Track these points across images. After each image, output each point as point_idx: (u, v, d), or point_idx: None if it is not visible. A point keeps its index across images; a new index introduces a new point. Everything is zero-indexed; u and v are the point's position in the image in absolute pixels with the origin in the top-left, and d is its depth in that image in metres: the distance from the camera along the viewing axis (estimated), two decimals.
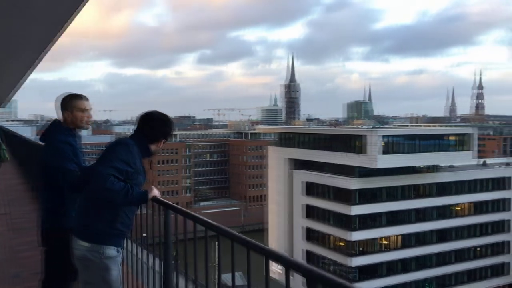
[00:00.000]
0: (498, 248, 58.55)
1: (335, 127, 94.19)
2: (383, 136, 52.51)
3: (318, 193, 55.40)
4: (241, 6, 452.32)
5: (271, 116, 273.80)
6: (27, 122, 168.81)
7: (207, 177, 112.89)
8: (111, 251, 3.26)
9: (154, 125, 3.39)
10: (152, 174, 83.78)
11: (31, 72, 10.49)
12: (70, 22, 5.57)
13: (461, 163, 58.09)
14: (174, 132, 3.73)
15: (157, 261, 3.71)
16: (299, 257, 53.17)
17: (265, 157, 75.31)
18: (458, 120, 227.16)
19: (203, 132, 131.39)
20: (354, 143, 52.95)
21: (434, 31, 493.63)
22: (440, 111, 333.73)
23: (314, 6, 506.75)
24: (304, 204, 57.10)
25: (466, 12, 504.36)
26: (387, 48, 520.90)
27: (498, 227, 58.67)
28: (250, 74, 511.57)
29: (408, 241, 53.72)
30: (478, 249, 57.43)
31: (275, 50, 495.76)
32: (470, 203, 57.29)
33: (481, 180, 58.04)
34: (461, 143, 56.12)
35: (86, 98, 3.96)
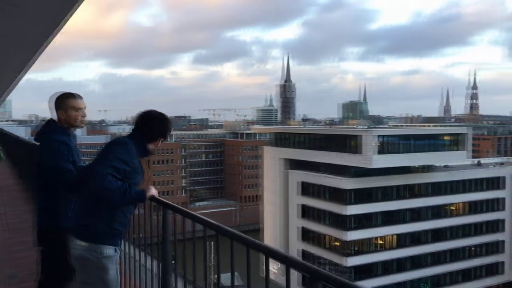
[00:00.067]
0: (492, 248, 58.84)
1: (330, 127, 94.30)
2: (378, 136, 52.65)
3: (314, 193, 55.47)
4: (237, 6, 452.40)
5: (266, 116, 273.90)
6: (21, 122, 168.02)
7: (203, 177, 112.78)
8: (109, 250, 3.26)
9: (152, 124, 3.39)
10: (148, 174, 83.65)
11: (25, 72, 10.44)
12: (65, 22, 5.55)
13: (456, 163, 58.35)
14: (172, 132, 3.73)
15: (154, 261, 3.69)
16: (294, 251, 53.27)
17: (261, 157, 75.31)
18: (453, 120, 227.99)
19: (198, 132, 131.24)
20: (349, 143, 53.07)
21: (429, 31, 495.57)
22: (434, 111, 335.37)
23: (309, 6, 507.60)
24: (300, 204, 57.17)
25: (460, 13, 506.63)
26: (382, 48, 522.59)
27: (492, 226, 58.95)
28: (245, 74, 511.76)
29: (403, 240, 53.88)
30: (473, 248, 57.70)
31: (270, 50, 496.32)
32: (465, 202, 57.53)
33: (476, 180, 58.30)
34: (455, 143, 56.35)
35: (80, 97, 3.94)
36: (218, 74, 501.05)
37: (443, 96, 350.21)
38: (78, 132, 4.32)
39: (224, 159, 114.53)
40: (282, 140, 62.65)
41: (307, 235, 56.39)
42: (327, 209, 53.42)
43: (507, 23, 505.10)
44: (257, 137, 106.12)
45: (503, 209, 59.54)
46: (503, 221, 59.44)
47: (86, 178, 3.22)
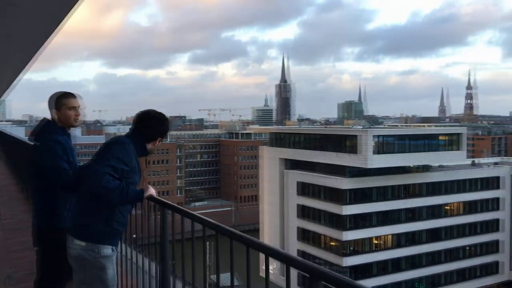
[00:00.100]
0: (488, 247, 59.02)
1: (325, 127, 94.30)
2: (375, 136, 52.70)
3: (311, 193, 55.46)
4: (234, 6, 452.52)
5: (263, 116, 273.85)
6: (16, 122, 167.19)
7: (199, 178, 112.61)
8: (107, 250, 3.26)
9: (151, 124, 3.40)
10: (143, 175, 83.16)
11: (25, 73, 10.42)
12: (65, 22, 5.54)
13: (452, 162, 58.46)
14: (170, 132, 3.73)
15: (152, 263, 3.68)
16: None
17: (257, 157, 75.27)
18: (448, 120, 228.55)
19: (194, 132, 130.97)
20: (346, 143, 53.11)
21: (426, 31, 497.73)
22: (431, 111, 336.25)
23: (307, 6, 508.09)
24: (297, 204, 57.16)
25: (457, 13, 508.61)
26: (380, 49, 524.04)
27: (488, 226, 59.13)
28: (243, 74, 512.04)
29: (399, 240, 53.95)
30: (468, 248, 57.85)
31: (267, 50, 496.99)
32: (461, 202, 57.67)
33: (471, 180, 58.45)
34: (451, 143, 56.46)
35: (73, 96, 3.93)
36: (215, 74, 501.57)
37: (439, 97, 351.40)
38: (75, 132, 4.30)
39: (220, 159, 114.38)
40: (279, 140, 62.62)
41: (304, 235, 56.40)
42: (324, 209, 53.43)
43: (504, 23, 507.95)
44: (254, 137, 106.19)
45: (499, 208, 59.74)
46: (498, 220, 59.65)
47: (84, 178, 3.23)
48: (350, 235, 51.43)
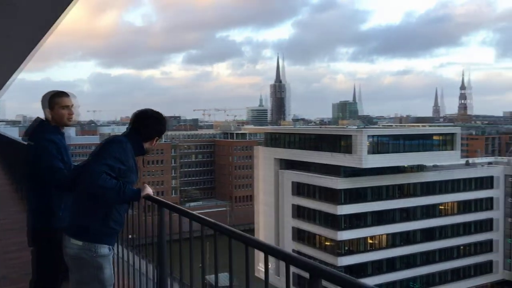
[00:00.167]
0: (482, 247, 59.32)
1: (320, 127, 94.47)
2: (369, 136, 52.82)
3: (306, 193, 55.53)
4: (229, 6, 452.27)
5: (258, 116, 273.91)
6: (9, 123, 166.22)
7: (194, 178, 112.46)
8: (104, 249, 3.26)
9: (148, 123, 3.39)
10: (139, 175, 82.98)
11: (19, 72, 10.36)
12: (59, 23, 5.51)
13: (446, 162, 58.71)
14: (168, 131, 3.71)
15: (149, 265, 3.65)
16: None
17: (252, 157, 75.25)
18: (442, 120, 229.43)
19: (189, 132, 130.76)
20: (340, 143, 53.20)
21: (420, 32, 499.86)
22: (425, 111, 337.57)
23: (301, 6, 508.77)
24: (292, 204, 57.20)
25: (451, 13, 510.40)
26: (374, 49, 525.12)
27: (482, 225, 59.44)
28: (237, 75, 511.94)
29: (394, 240, 54.11)
30: (463, 247, 58.11)
31: (262, 51, 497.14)
32: (455, 202, 57.92)
33: (465, 180, 58.74)
34: (445, 143, 56.70)
35: (66, 95, 3.91)
36: (210, 74, 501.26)
37: (432, 97, 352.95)
38: (67, 133, 4.28)
39: (215, 159, 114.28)
40: (274, 140, 62.65)
41: (299, 235, 56.45)
42: (319, 209, 53.51)
43: (497, 23, 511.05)
44: (249, 138, 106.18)
45: (493, 208, 60.07)
46: (492, 220, 59.97)
47: (81, 177, 3.21)
48: (345, 235, 51.53)
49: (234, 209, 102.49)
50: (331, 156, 52.37)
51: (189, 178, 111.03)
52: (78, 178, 3.29)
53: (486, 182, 59.85)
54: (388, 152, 52.45)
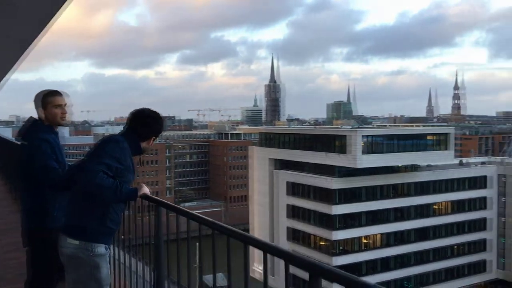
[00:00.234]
0: (476, 246, 59.63)
1: (314, 127, 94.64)
2: (364, 136, 52.96)
3: (300, 193, 55.59)
4: (223, 6, 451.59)
5: (253, 117, 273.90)
6: (2, 123, 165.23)
7: (188, 178, 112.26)
8: (101, 248, 3.25)
9: (146, 123, 3.39)
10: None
11: (12, 73, 10.30)
12: (54, 22, 5.47)
13: (440, 162, 58.97)
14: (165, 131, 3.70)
15: (146, 266, 3.62)
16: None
17: (247, 158, 75.26)
18: (435, 120, 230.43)
19: (183, 132, 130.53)
20: (335, 143, 53.30)
21: (414, 32, 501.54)
22: (419, 111, 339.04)
23: (296, 7, 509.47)
24: (287, 204, 57.24)
25: (445, 14, 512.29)
26: (368, 49, 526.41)
27: (475, 225, 59.75)
28: (232, 75, 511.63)
29: (388, 240, 54.29)
30: (456, 247, 58.39)
31: (257, 51, 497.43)
32: (449, 202, 58.19)
33: (458, 179, 59.04)
34: (439, 142, 56.95)
35: (59, 94, 3.89)
36: (204, 74, 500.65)
37: (426, 97, 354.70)
38: (61, 133, 4.25)
39: (210, 159, 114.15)
40: (268, 140, 62.68)
41: (294, 235, 56.50)
42: (314, 209, 53.59)
43: (491, 24, 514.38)
44: (243, 138, 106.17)
45: (486, 207, 60.41)
46: (486, 219, 60.30)
47: (78, 175, 3.20)
48: (340, 235, 51.64)
49: (229, 209, 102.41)
50: (326, 156, 52.47)
51: (184, 179, 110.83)
52: (74, 177, 3.28)
53: (479, 182, 60.18)
54: (382, 152, 52.62)
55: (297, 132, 63.12)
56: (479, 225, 59.97)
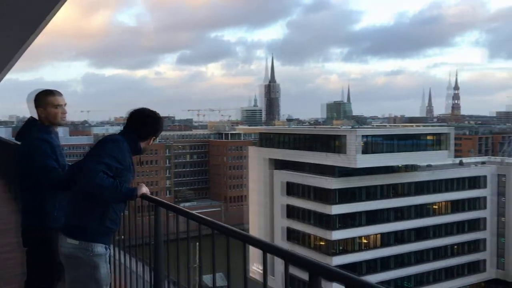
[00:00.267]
0: (474, 246, 59.67)
1: (314, 127, 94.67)
2: (363, 136, 52.98)
3: (299, 193, 55.59)
4: (221, 6, 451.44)
5: (251, 117, 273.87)
6: (2, 123, 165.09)
7: (188, 178, 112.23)
8: (100, 248, 3.25)
9: (145, 122, 3.38)
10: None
11: (7, 72, 10.27)
12: (48, 22, 5.45)
13: (439, 162, 59.01)
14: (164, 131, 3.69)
15: (145, 266, 3.61)
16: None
17: (246, 158, 75.24)
18: (435, 120, 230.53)
19: (183, 132, 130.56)
20: (334, 143, 53.30)
21: (413, 32, 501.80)
22: (418, 111, 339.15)
23: (294, 7, 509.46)
24: (285, 204, 57.24)
25: (442, 14, 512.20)
26: (366, 49, 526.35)
27: (474, 225, 59.79)
28: (230, 75, 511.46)
29: (387, 239, 54.31)
30: (455, 246, 58.43)
31: (255, 51, 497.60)
32: (447, 201, 58.22)
33: (458, 179, 59.07)
34: (438, 142, 56.98)
35: (59, 94, 3.88)
36: (202, 74, 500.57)
37: (425, 97, 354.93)
38: (61, 133, 4.23)
39: (209, 159, 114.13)
40: (267, 140, 62.67)
41: (292, 235, 56.50)
42: (312, 209, 53.58)
43: (490, 24, 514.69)
44: (242, 138, 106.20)
45: (485, 207, 60.44)
46: (484, 219, 60.33)
47: (78, 175, 3.19)
48: (339, 235, 51.65)
49: (228, 209, 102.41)
50: (326, 156, 52.46)
51: (183, 179, 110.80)
52: (75, 177, 3.27)
53: (479, 182, 60.22)
54: (381, 152, 52.63)
55: (296, 132, 63.13)
56: (479, 224, 60.01)
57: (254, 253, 2.06)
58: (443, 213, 57.97)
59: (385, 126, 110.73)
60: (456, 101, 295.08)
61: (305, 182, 54.42)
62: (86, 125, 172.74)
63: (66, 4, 4.80)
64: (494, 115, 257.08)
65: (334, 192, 51.72)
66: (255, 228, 62.44)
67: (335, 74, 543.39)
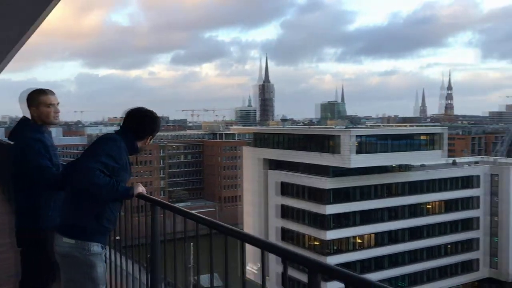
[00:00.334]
0: (468, 245, 59.98)
1: (309, 127, 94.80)
2: (357, 136, 53.11)
3: (293, 193, 55.64)
4: (215, 6, 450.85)
5: (245, 117, 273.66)
6: None
7: (182, 178, 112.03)
8: (96, 247, 3.24)
9: (143, 122, 3.37)
10: None
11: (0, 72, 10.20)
12: (41, 22, 5.42)
13: (432, 162, 59.27)
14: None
15: (141, 267, 3.60)
16: (273, 256, 53.15)
17: (240, 158, 75.23)
18: (428, 120, 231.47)
19: (177, 133, 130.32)
20: (328, 143, 53.39)
21: (405, 32, 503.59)
22: (412, 111, 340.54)
23: (288, 7, 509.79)
24: (279, 204, 57.28)
25: (436, 15, 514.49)
26: (360, 50, 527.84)
27: (467, 224, 60.10)
28: (224, 75, 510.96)
29: (381, 239, 54.48)
30: (449, 246, 58.70)
31: (249, 51, 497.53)
32: (441, 201, 58.48)
33: (451, 179, 59.36)
34: (432, 142, 57.22)
35: (51, 92, 3.85)
36: (196, 74, 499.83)
37: (418, 97, 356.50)
38: (54, 133, 4.20)
39: (203, 159, 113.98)
40: (261, 140, 62.67)
41: (286, 235, 56.53)
42: (307, 209, 53.64)
43: (483, 24, 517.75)
44: (236, 138, 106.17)
45: (478, 207, 60.77)
46: (477, 219, 60.66)
47: (74, 173, 3.18)
48: (333, 235, 51.75)
49: (222, 209, 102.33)
50: (320, 156, 52.54)
51: (177, 179, 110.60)
52: (70, 176, 3.26)
53: (472, 181, 60.53)
54: (375, 152, 52.78)
55: (290, 132, 63.19)
56: (472, 224, 60.33)
57: (248, 252, 2.05)
58: (437, 212, 58.23)
59: (379, 126, 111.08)
60: (449, 101, 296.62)
61: (300, 182, 54.47)
62: (80, 125, 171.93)
63: (59, 4, 4.78)
64: (487, 115, 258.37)
65: (328, 192, 51.80)
66: (250, 228, 62.39)
67: (329, 74, 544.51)
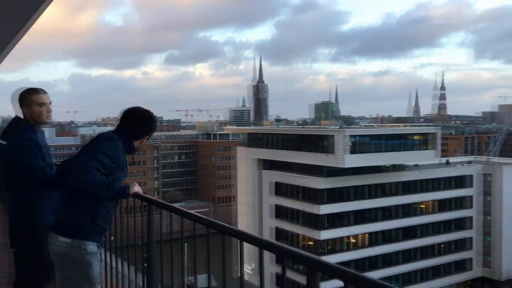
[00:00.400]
0: (461, 244, 60.31)
1: (303, 127, 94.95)
2: (350, 136, 53.25)
3: (287, 193, 55.70)
4: (209, 6, 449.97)
5: (239, 117, 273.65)
6: None
7: (176, 179, 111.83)
8: (92, 246, 3.23)
9: (140, 121, 3.37)
10: None
11: None
12: (34, 21, 5.37)
13: (426, 162, 59.55)
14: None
15: (139, 271, 3.57)
16: (268, 256, 53.31)
17: (234, 158, 75.19)
18: (422, 120, 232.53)
19: (171, 133, 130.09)
20: (322, 143, 53.51)
21: (399, 33, 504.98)
22: (405, 111, 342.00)
23: (282, 7, 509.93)
24: (273, 204, 57.32)
25: (429, 15, 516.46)
26: (354, 50, 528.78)
27: (461, 224, 60.43)
28: (218, 75, 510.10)
29: (375, 239, 54.66)
30: (443, 245, 58.99)
31: (243, 51, 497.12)
32: (434, 201, 58.77)
33: (445, 179, 59.67)
34: (425, 142, 57.48)
35: (43, 92, 3.83)
36: (190, 74, 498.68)
37: (412, 97, 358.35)
38: (46, 133, 4.17)
39: (197, 160, 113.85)
40: (255, 140, 62.69)
41: (280, 235, 56.55)
42: (301, 209, 53.72)
43: (476, 25, 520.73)
44: (230, 138, 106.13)
45: (471, 206, 61.12)
46: (471, 218, 61.02)
47: (70, 171, 3.16)
48: (327, 234, 51.86)
49: (217, 209, 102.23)
50: (314, 156, 52.63)
51: (171, 179, 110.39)
52: (65, 174, 3.24)
53: (465, 181, 60.88)
54: (369, 152, 52.95)
55: (284, 133, 63.27)
56: (465, 223, 60.67)
57: (248, 253, 2.03)
58: (430, 212, 58.50)
59: (373, 126, 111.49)
60: (442, 101, 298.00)
61: (294, 182, 54.53)
62: (73, 125, 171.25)
63: (52, 3, 4.75)
64: (480, 115, 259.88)
65: (322, 192, 51.91)
66: (244, 228, 62.20)
67: (323, 74, 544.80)
